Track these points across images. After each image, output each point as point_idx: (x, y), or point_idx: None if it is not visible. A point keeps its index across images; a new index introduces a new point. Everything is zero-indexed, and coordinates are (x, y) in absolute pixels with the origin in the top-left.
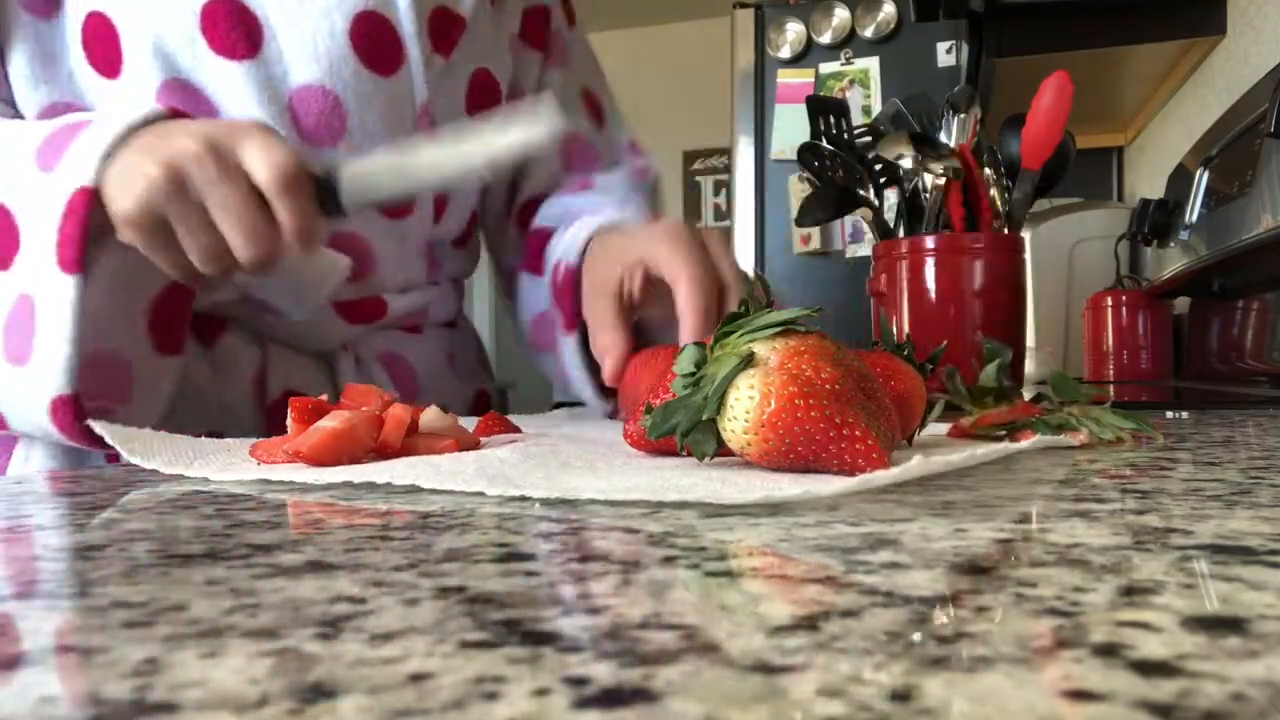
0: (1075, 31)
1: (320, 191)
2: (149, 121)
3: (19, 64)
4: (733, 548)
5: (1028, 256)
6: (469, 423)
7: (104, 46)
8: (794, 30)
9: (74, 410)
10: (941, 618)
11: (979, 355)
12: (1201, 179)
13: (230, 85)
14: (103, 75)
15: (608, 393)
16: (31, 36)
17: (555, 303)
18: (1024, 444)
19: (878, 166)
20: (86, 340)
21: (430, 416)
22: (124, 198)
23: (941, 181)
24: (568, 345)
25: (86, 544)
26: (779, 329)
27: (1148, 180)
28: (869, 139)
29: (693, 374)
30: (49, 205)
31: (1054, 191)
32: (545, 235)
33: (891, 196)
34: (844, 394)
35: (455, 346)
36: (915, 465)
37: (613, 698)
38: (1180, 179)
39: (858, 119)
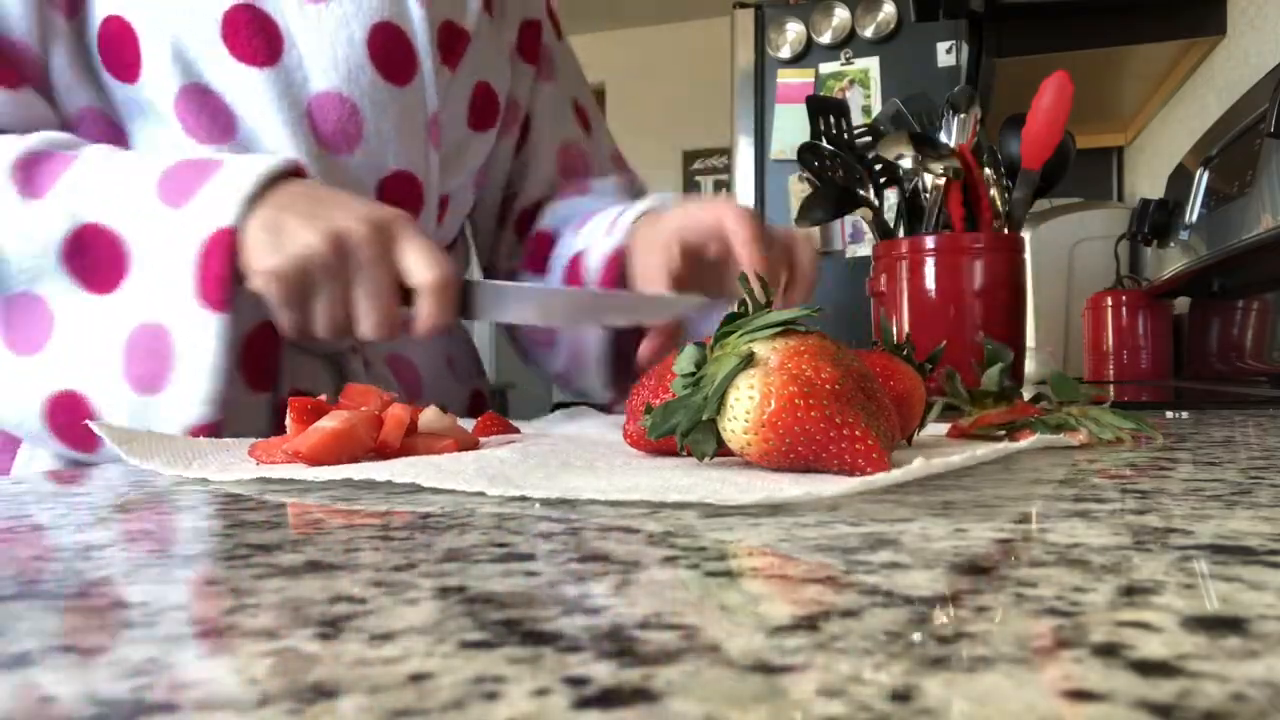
0: (1075, 31)
1: (461, 296)
2: (283, 174)
3: (59, 68)
4: (733, 548)
5: (1028, 256)
6: (467, 423)
7: (121, 50)
8: (794, 30)
9: (214, 433)
10: (941, 618)
11: (979, 355)
12: (1201, 179)
13: (250, 91)
14: (119, 79)
15: (618, 383)
16: (66, 38)
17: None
18: (1023, 444)
19: (878, 166)
20: (226, 373)
21: (429, 416)
22: (275, 253)
23: (941, 181)
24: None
25: (86, 544)
26: (779, 329)
27: (1148, 180)
28: (869, 139)
29: (693, 374)
30: (181, 241)
31: (1054, 191)
32: (547, 238)
33: (891, 196)
34: (844, 394)
35: (452, 348)
36: (916, 467)
37: (613, 698)
38: (1180, 179)
39: (858, 119)
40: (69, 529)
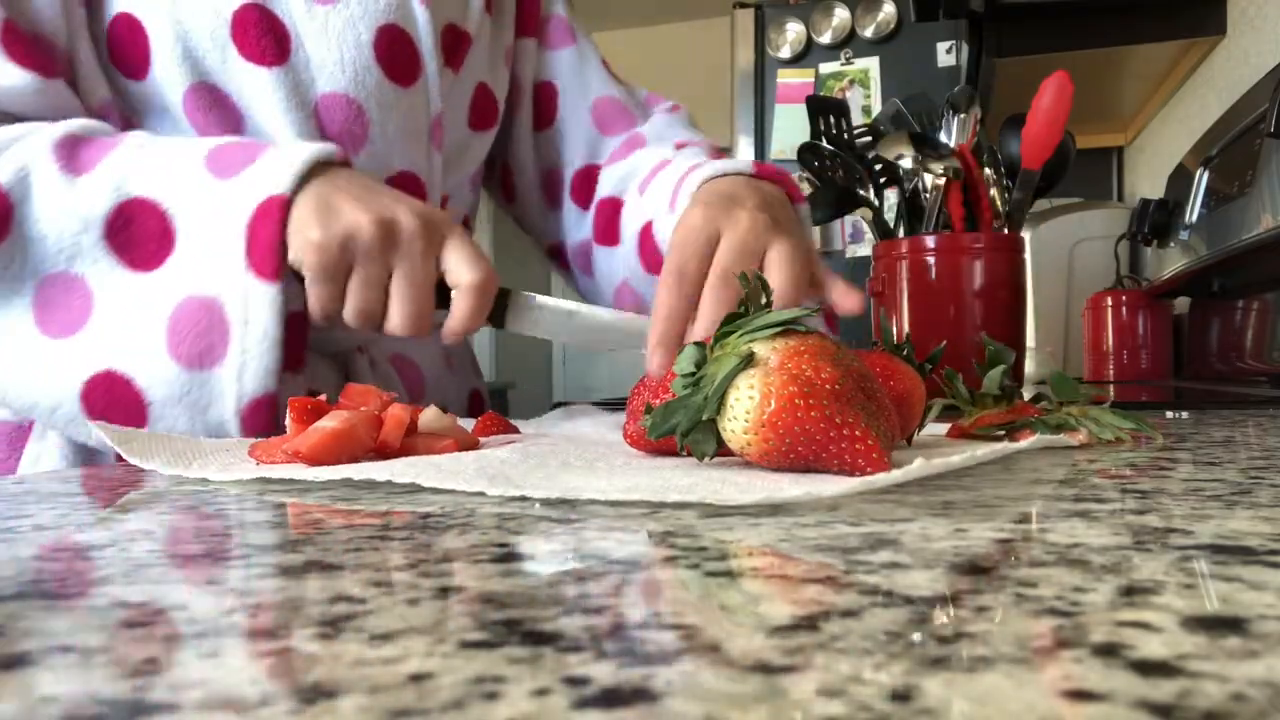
0: (1075, 31)
1: (496, 302)
2: (329, 160)
3: (82, 61)
4: (733, 548)
5: (1028, 256)
6: (467, 424)
7: (131, 47)
8: (794, 30)
9: (271, 408)
10: (941, 618)
11: (979, 355)
12: (1201, 179)
13: (258, 91)
14: (128, 77)
15: None
16: (87, 34)
17: (645, 265)
18: (1023, 444)
19: (878, 166)
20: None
21: (429, 416)
22: (323, 228)
23: (941, 181)
24: None
25: (86, 544)
26: (779, 329)
27: (1148, 180)
28: (869, 139)
29: (693, 374)
30: (230, 211)
31: (1054, 191)
32: (613, 205)
33: (891, 196)
34: (844, 394)
35: (452, 348)
36: (916, 467)
37: (613, 698)
38: (1180, 179)
39: (858, 119)
40: (69, 529)
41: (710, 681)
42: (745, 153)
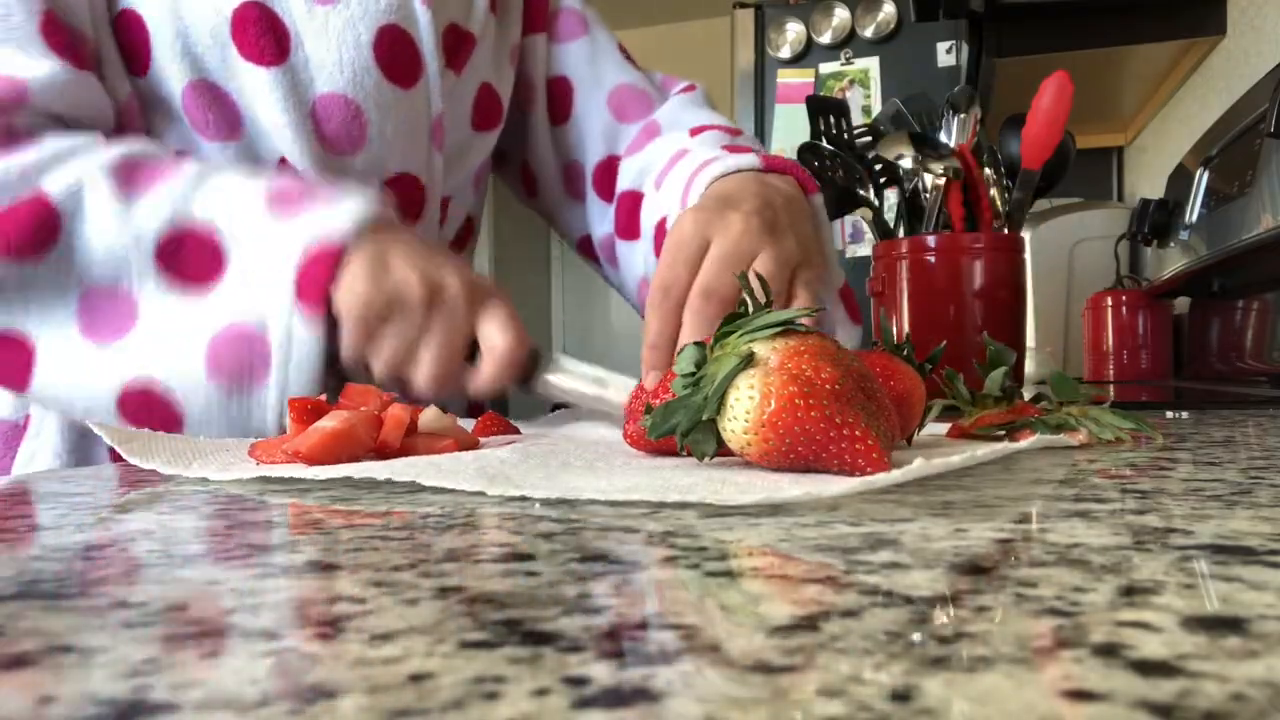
0: (1075, 31)
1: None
2: (390, 217)
3: (108, 57)
4: (733, 548)
5: (1028, 256)
6: (467, 424)
7: (133, 43)
8: (794, 30)
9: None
10: (941, 618)
11: (979, 355)
12: (1201, 179)
13: (257, 90)
14: (130, 72)
15: None
16: (109, 27)
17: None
18: (1023, 444)
19: (878, 166)
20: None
21: (429, 416)
22: (372, 283)
23: (941, 181)
24: None
25: (86, 544)
26: (779, 329)
27: (1148, 180)
28: (869, 139)
29: (693, 374)
30: (286, 247)
31: (1054, 191)
32: (634, 199)
33: (891, 196)
34: (844, 394)
35: None
36: (916, 467)
37: (613, 698)
38: (1180, 179)
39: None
40: (69, 529)
41: (710, 681)
42: None
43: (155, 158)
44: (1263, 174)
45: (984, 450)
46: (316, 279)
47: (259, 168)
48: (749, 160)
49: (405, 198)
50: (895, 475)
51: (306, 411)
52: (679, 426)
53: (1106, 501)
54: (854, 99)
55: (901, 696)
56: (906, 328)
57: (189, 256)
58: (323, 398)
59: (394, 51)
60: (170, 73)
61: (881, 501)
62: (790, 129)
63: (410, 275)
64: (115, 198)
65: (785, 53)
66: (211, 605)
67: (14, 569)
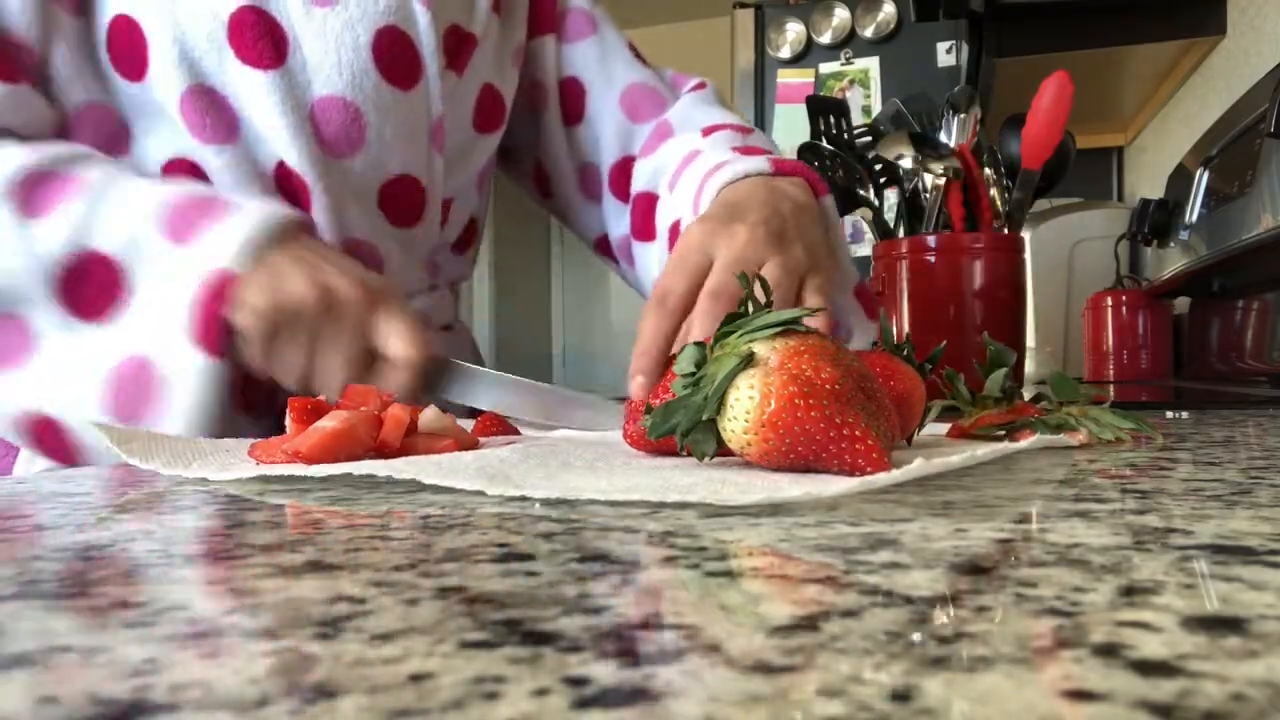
0: (1075, 31)
1: (434, 372)
2: (291, 227)
3: (60, 62)
4: (733, 548)
5: (1028, 256)
6: (467, 424)
7: (129, 49)
8: (794, 30)
9: None
10: (941, 618)
11: (980, 355)
12: (1201, 179)
13: (254, 94)
14: (126, 78)
15: None
16: (69, 35)
17: None
18: (1023, 444)
19: (878, 166)
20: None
21: (429, 416)
22: (265, 295)
23: (941, 181)
24: None
25: (86, 544)
26: (779, 329)
27: (1148, 180)
28: (869, 139)
29: (693, 374)
30: (181, 279)
31: (1054, 191)
32: (649, 200)
33: (891, 196)
34: (844, 394)
35: (452, 349)
36: (916, 467)
37: (613, 698)
38: (1180, 179)
39: (858, 119)
40: (69, 529)
41: (710, 681)
42: None
43: (56, 171)
44: (1263, 174)
45: (984, 450)
46: (209, 312)
47: (188, 179)
48: (758, 164)
49: (406, 200)
50: (895, 475)
51: (306, 411)
52: (679, 426)
53: (1106, 501)
54: (854, 99)
55: (901, 696)
56: (906, 328)
57: (90, 284)
58: (323, 398)
59: (393, 53)
60: (167, 78)
61: (881, 501)
62: (790, 129)
63: (301, 286)
64: (15, 220)
65: (785, 53)
66: (211, 605)
67: (14, 569)
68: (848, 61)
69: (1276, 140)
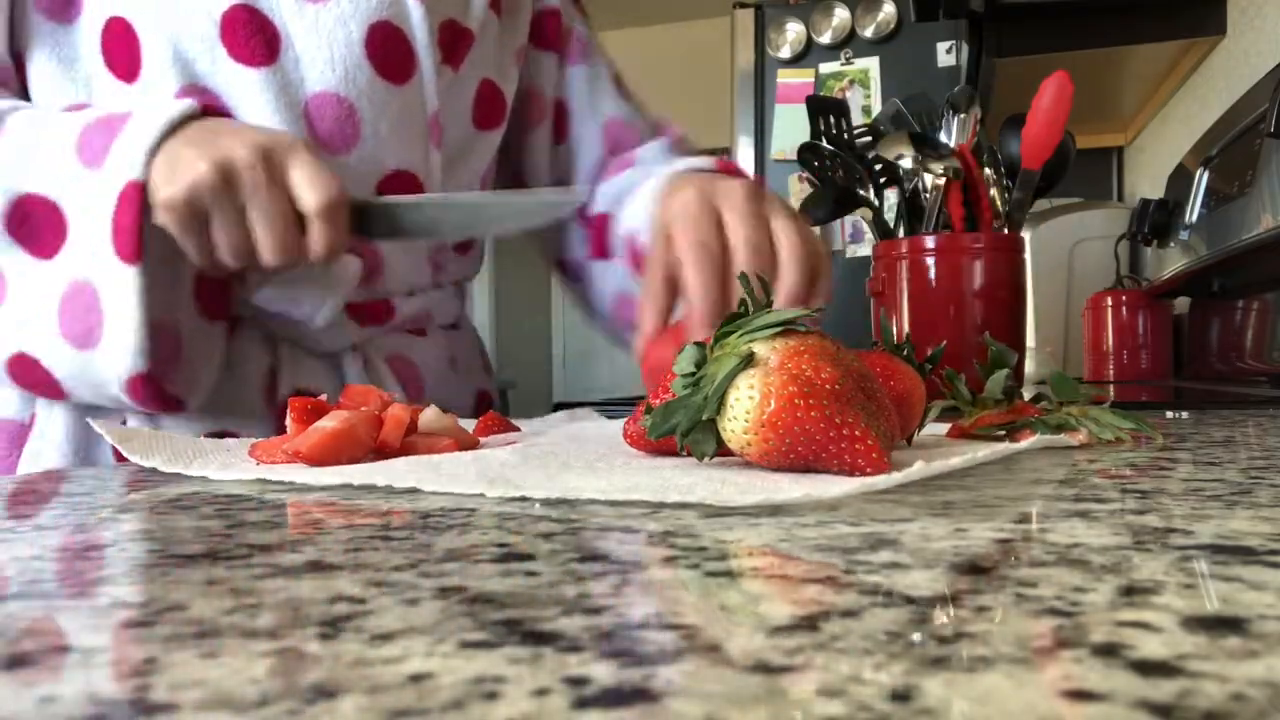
0: (1075, 31)
1: (354, 216)
2: (188, 117)
3: (38, 67)
4: (733, 548)
5: (1028, 256)
6: (469, 424)
7: (123, 50)
8: (794, 30)
9: (150, 383)
10: (941, 618)
11: (980, 355)
12: (1201, 179)
13: (247, 92)
14: (120, 79)
15: None
16: (50, 41)
17: (637, 273)
18: (1023, 444)
19: (878, 166)
20: (149, 320)
21: (429, 417)
22: (169, 185)
23: (941, 181)
24: None
25: (86, 544)
26: (779, 329)
27: (1148, 180)
28: (869, 139)
29: (693, 374)
30: (100, 199)
31: (1054, 191)
32: (605, 221)
33: (891, 196)
34: (844, 394)
35: (457, 348)
36: (917, 469)
37: (613, 698)
38: (1180, 179)
39: (858, 119)
40: (69, 529)
41: (710, 681)
42: (745, 154)
43: None
44: (1263, 174)
45: (984, 451)
46: (126, 224)
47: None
48: (703, 161)
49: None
50: (896, 477)
51: (306, 411)
52: (679, 426)
53: (1106, 501)
54: (854, 99)
55: (901, 696)
56: (906, 328)
57: (36, 225)
58: (323, 397)
59: (386, 48)
60: (162, 79)
61: (881, 501)
62: (790, 129)
63: (199, 164)
64: None
65: (785, 53)
66: (211, 605)
67: (14, 569)
68: (848, 61)
69: (1276, 140)
